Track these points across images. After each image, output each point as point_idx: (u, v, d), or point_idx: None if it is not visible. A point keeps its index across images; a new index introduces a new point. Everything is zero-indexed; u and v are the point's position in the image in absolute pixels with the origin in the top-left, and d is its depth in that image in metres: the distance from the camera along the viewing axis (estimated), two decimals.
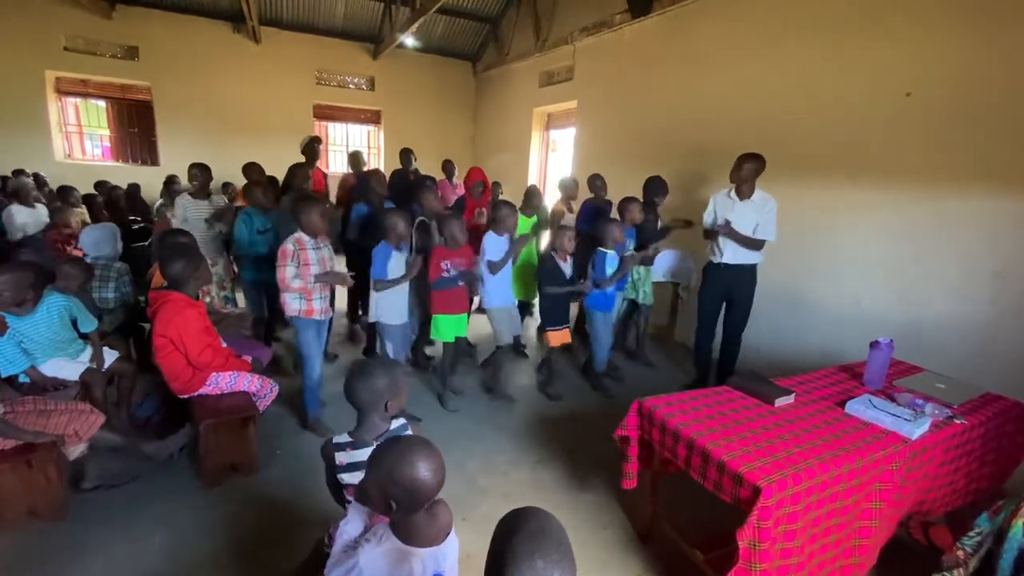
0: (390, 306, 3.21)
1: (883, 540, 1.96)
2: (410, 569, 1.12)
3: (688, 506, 2.38)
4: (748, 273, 3.62)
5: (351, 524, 1.29)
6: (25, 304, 2.45)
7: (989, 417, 2.18)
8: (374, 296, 3.20)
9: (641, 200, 4.09)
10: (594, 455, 2.96)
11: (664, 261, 4.82)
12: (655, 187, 4.31)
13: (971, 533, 1.75)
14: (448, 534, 1.19)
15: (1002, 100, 2.90)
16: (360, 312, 4.58)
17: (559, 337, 3.71)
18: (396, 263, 3.12)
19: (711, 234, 3.63)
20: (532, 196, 4.51)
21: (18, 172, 6.40)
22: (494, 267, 3.46)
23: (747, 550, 1.60)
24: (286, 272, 2.85)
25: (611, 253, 3.64)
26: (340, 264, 3.36)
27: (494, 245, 3.49)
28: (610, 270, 3.61)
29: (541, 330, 3.80)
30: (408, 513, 1.13)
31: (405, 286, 3.25)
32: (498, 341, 3.61)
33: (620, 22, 5.84)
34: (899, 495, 1.91)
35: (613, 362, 4.20)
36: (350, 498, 1.47)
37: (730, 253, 3.57)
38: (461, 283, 3.34)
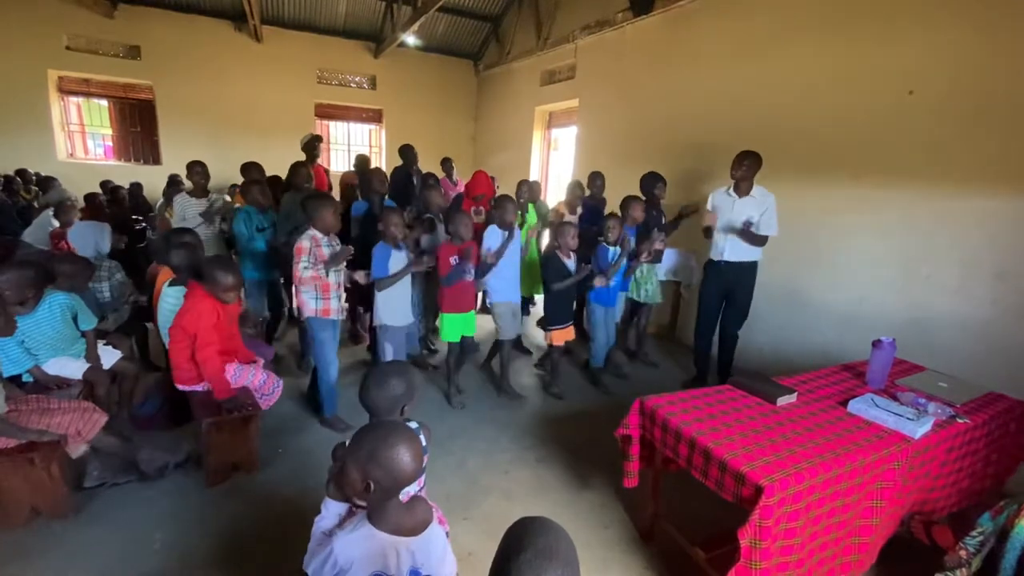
0: (392, 307, 3.21)
1: (884, 538, 1.95)
2: (384, 559, 1.12)
3: (689, 505, 2.38)
4: (748, 270, 3.63)
5: (325, 520, 1.30)
6: (27, 303, 2.46)
7: (992, 416, 2.18)
8: (378, 297, 3.19)
9: (643, 198, 4.07)
10: (595, 454, 2.96)
11: (666, 260, 4.81)
12: (652, 181, 4.28)
13: (973, 533, 1.75)
14: (427, 527, 1.19)
15: (1005, 99, 2.89)
16: (362, 311, 4.56)
17: (563, 335, 3.71)
18: (396, 261, 3.12)
19: (710, 231, 3.63)
20: (522, 190, 4.51)
21: (20, 171, 6.43)
22: (492, 257, 3.47)
23: (748, 548, 1.60)
24: (300, 266, 2.82)
25: (613, 249, 3.64)
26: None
27: (493, 237, 3.48)
28: (619, 261, 3.62)
29: (545, 328, 3.76)
30: (385, 497, 1.14)
31: (408, 288, 3.26)
32: (501, 336, 3.62)
33: (622, 21, 5.84)
34: (900, 494, 1.90)
35: (616, 360, 4.19)
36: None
37: (730, 251, 3.58)
38: (468, 275, 3.30)
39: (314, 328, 3.00)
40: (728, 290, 3.70)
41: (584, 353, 4.23)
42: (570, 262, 3.60)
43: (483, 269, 3.39)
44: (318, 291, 2.93)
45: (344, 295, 3.13)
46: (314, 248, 2.86)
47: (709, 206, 3.67)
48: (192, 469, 2.64)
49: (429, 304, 4.07)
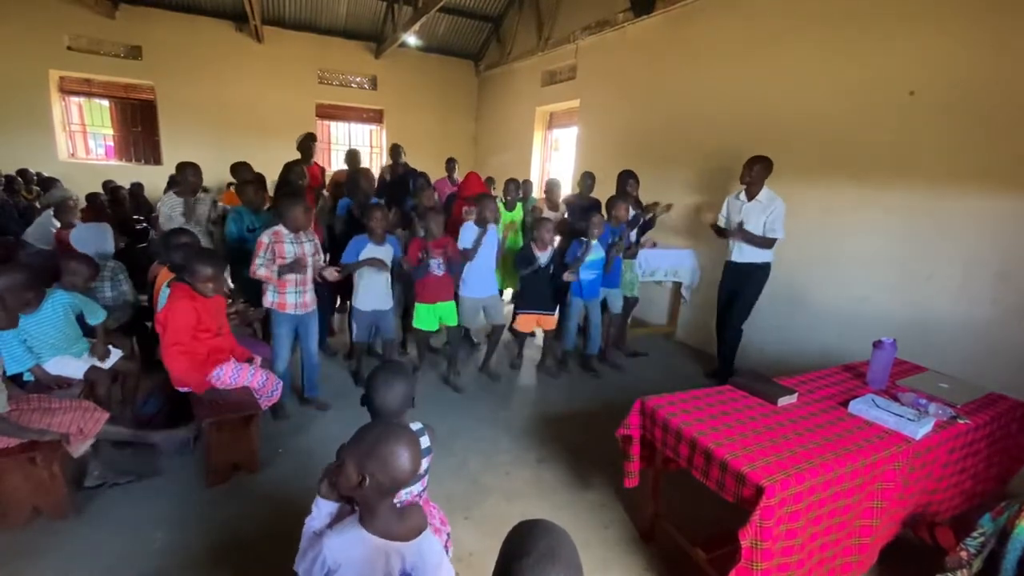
0: (360, 293, 3.43)
1: (884, 539, 1.95)
2: (371, 565, 1.11)
3: (690, 505, 2.38)
4: (757, 270, 3.75)
5: (316, 520, 1.30)
6: (30, 303, 2.46)
7: (993, 417, 2.18)
8: (355, 282, 3.40)
9: (626, 198, 4.17)
10: (596, 454, 2.96)
11: (667, 260, 4.81)
12: (624, 179, 4.41)
13: (975, 534, 1.75)
14: (419, 534, 1.18)
15: (1006, 99, 2.89)
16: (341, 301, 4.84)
17: (526, 321, 3.93)
18: (368, 254, 3.31)
19: (723, 233, 3.83)
20: (510, 188, 4.57)
21: (21, 171, 6.44)
22: (463, 254, 3.63)
23: (749, 549, 1.59)
24: (255, 262, 2.94)
25: (591, 242, 3.76)
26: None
27: (466, 234, 3.66)
28: (587, 257, 3.75)
29: (514, 312, 3.97)
30: (377, 495, 1.13)
31: (379, 278, 3.41)
32: (463, 323, 3.87)
33: (623, 21, 5.83)
34: (902, 495, 1.90)
35: (609, 355, 4.39)
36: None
37: (738, 252, 3.75)
38: (437, 270, 3.49)
39: (273, 320, 3.12)
40: (736, 289, 3.83)
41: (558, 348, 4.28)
42: (542, 255, 3.78)
43: (459, 264, 3.58)
44: (275, 284, 3.02)
45: (307, 291, 3.14)
46: (274, 244, 2.95)
47: (723, 209, 3.86)
48: (193, 465, 2.65)
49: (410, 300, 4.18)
